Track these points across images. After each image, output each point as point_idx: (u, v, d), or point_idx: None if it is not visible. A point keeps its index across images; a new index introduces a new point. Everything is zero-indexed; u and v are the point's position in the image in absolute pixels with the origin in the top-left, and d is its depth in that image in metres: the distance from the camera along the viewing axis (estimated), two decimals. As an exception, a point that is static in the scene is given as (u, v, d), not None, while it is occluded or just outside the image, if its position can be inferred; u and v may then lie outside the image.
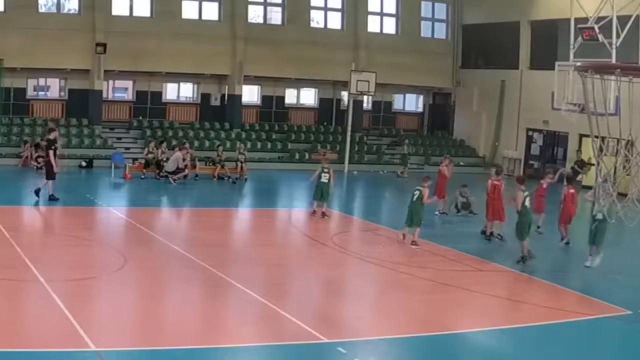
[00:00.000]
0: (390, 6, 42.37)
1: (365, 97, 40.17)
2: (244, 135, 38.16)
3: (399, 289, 15.79)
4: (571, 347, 12.87)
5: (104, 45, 34.53)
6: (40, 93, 36.84)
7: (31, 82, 36.22)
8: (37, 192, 22.94)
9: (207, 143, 35.81)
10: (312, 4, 40.38)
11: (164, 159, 30.19)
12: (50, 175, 23.05)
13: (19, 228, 19.71)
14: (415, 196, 19.79)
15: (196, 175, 30.71)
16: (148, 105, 38.14)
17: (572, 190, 21.11)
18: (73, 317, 12.03)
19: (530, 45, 39.21)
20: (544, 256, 19.20)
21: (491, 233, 21.22)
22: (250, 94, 40.75)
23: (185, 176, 29.53)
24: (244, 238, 20.74)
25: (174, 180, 28.78)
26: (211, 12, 38.12)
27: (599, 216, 17.84)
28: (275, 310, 13.47)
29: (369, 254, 18.52)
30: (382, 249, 19.12)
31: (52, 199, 22.91)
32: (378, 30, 41.94)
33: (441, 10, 43.46)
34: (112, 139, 35.47)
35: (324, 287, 16.11)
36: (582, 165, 32.20)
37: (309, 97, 42.77)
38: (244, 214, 21.85)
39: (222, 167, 31.53)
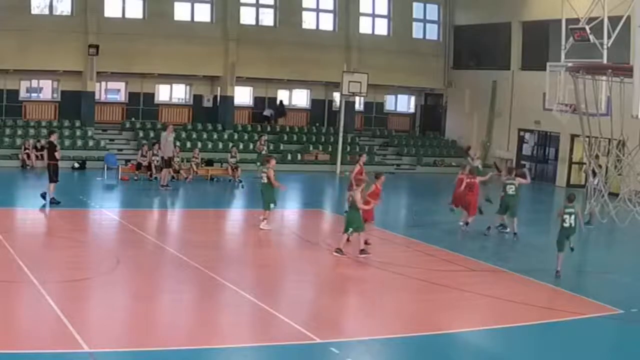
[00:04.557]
0: (382, 7, 42.40)
1: (357, 98, 40.17)
2: (236, 136, 38.17)
3: (391, 289, 15.82)
4: (564, 346, 12.91)
5: (97, 47, 34.46)
6: (33, 95, 36.75)
7: (24, 84, 36.14)
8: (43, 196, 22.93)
9: (199, 144, 35.82)
10: (304, 5, 40.38)
11: (156, 161, 30.17)
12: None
13: (11, 230, 19.70)
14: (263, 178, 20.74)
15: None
16: (140, 107, 38.10)
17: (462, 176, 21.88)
18: (66, 319, 12.04)
19: (522, 45, 39.28)
20: (536, 255, 19.26)
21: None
22: (243, 95, 40.76)
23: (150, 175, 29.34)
24: (237, 239, 20.73)
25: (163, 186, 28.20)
26: (203, 13, 38.10)
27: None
28: (268, 310, 13.50)
29: (361, 255, 18.57)
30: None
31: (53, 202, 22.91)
32: (370, 32, 41.96)
33: (433, 12, 43.49)
34: (104, 141, 35.43)
35: (317, 287, 16.15)
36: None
37: (301, 98, 42.78)
38: (235, 214, 21.88)
39: (235, 169, 31.44)
